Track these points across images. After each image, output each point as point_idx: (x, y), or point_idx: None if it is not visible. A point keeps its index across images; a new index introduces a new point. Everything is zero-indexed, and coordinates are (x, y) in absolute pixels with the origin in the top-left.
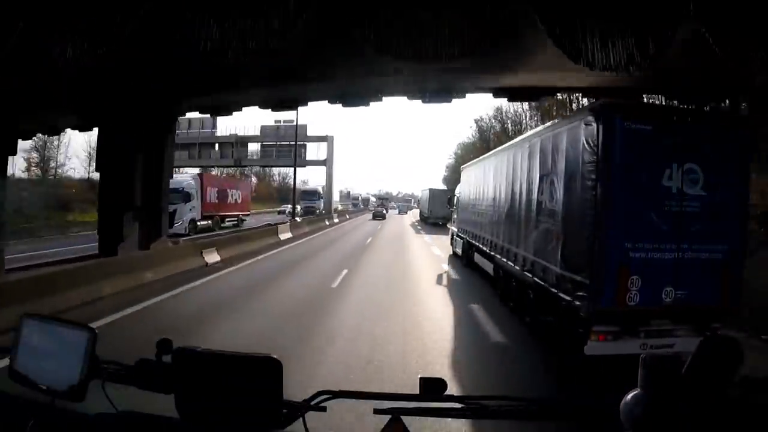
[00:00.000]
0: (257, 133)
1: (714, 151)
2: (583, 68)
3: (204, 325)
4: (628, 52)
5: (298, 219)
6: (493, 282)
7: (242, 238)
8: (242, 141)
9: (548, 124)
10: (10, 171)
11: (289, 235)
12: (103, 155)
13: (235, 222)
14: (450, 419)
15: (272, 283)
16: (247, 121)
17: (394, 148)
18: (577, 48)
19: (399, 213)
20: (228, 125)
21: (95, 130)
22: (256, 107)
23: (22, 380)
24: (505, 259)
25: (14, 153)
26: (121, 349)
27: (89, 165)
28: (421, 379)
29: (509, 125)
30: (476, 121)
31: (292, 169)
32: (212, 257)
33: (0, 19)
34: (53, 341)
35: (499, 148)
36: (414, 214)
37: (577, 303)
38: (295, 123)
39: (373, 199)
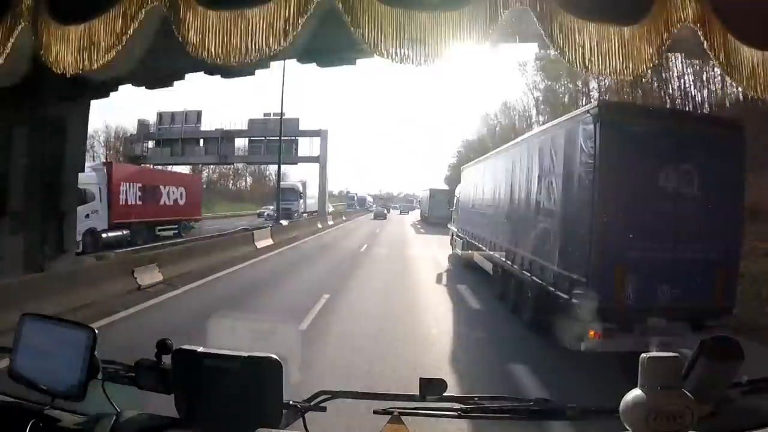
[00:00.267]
0: (245, 127)
1: (709, 153)
2: None
3: None
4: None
5: (284, 222)
6: (493, 281)
7: (205, 249)
8: (228, 136)
9: (547, 125)
10: None
11: (269, 242)
12: None
13: (175, 231)
14: (450, 419)
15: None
16: (235, 115)
17: (396, 148)
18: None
19: (401, 213)
20: (214, 119)
21: None
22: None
23: (22, 380)
24: (504, 259)
25: None
26: None
27: None
28: (421, 379)
29: (516, 120)
30: (482, 118)
31: (287, 166)
32: (150, 277)
33: None
34: (53, 341)
35: (499, 149)
36: (415, 215)
37: (574, 301)
38: (283, 115)
39: (369, 198)
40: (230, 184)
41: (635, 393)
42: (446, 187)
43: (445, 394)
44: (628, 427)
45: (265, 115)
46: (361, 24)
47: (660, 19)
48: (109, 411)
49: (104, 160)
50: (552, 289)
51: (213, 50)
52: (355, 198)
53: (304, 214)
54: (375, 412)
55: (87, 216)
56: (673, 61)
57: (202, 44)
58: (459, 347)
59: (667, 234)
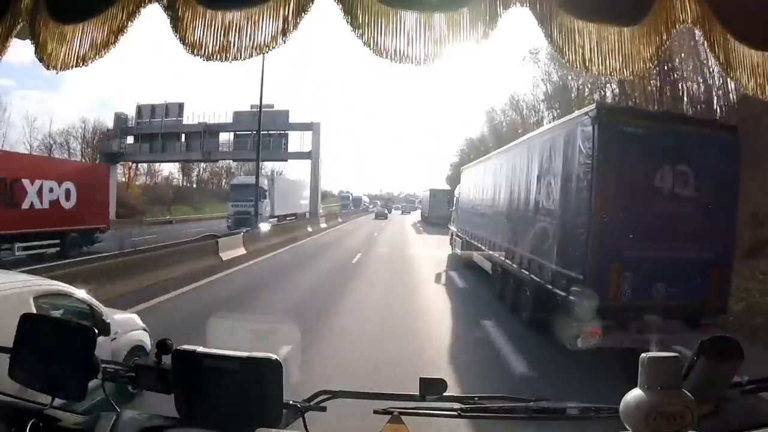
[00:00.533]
0: (230, 120)
1: (705, 155)
2: None
3: None
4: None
5: (264, 227)
6: (492, 280)
7: (135, 267)
8: (212, 130)
9: (546, 126)
10: None
11: (239, 251)
12: None
13: (55, 247)
14: (450, 419)
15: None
16: (219, 107)
17: (397, 148)
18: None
19: (402, 213)
20: (197, 112)
21: None
22: None
23: (22, 380)
24: (503, 258)
25: None
26: None
27: None
28: (421, 379)
29: (524, 113)
30: (487, 113)
31: (279, 163)
32: None
33: None
34: (53, 341)
35: (498, 150)
36: (416, 215)
37: (572, 298)
38: (265, 105)
39: (365, 198)
40: (223, 183)
41: (635, 393)
42: (448, 187)
43: (445, 394)
44: (628, 427)
45: (252, 107)
46: (361, 24)
47: (660, 19)
48: (109, 411)
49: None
50: (550, 287)
51: (211, 49)
52: (350, 198)
53: (271, 219)
54: (375, 412)
55: None
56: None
57: (200, 43)
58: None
59: (663, 234)
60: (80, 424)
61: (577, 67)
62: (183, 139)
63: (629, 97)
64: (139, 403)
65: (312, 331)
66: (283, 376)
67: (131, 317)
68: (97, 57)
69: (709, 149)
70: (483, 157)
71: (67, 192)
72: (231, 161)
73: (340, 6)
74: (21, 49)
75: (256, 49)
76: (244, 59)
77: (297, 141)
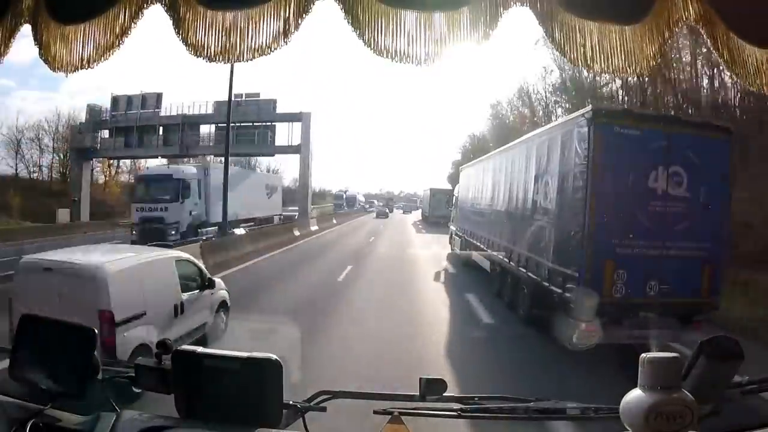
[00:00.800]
0: (211, 111)
1: (698, 156)
2: None
3: None
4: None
5: (238, 231)
6: (490, 278)
7: None
8: (191, 122)
9: (544, 127)
10: None
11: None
12: None
13: None
14: (450, 419)
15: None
16: (199, 96)
17: (397, 147)
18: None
19: (403, 213)
20: (175, 102)
21: None
22: None
23: (22, 380)
24: (501, 256)
25: None
26: None
27: None
28: (421, 379)
29: (531, 104)
30: (492, 106)
31: (269, 159)
32: None
33: None
34: (53, 341)
35: (496, 150)
36: (417, 214)
37: (567, 294)
38: (251, 95)
39: (361, 197)
40: None
41: (635, 393)
42: (449, 186)
43: (445, 394)
44: (628, 427)
45: (236, 96)
46: (361, 24)
47: (661, 17)
48: (109, 411)
49: None
50: (546, 284)
51: (213, 50)
52: (344, 197)
53: (206, 231)
54: (375, 412)
55: None
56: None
57: (201, 44)
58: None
59: (656, 232)
60: (80, 424)
61: (579, 66)
62: (161, 132)
63: (642, 91)
64: (139, 403)
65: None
66: (283, 376)
67: (220, 281)
68: (101, 59)
69: (702, 150)
70: (482, 156)
71: None
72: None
73: (341, 6)
74: (21, 49)
75: (258, 50)
76: (247, 60)
77: (287, 134)
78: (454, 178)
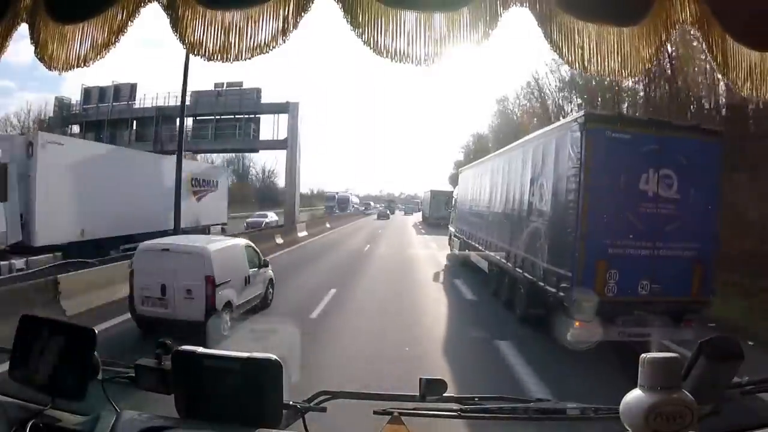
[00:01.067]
0: (188, 102)
1: (688, 159)
2: None
3: None
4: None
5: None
6: (488, 278)
7: None
8: (166, 115)
9: (539, 131)
10: None
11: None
12: None
13: None
14: (450, 419)
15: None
16: (177, 86)
17: (398, 148)
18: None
19: (405, 214)
20: (152, 93)
21: None
22: None
23: (22, 380)
24: (498, 257)
25: None
26: None
27: None
28: (421, 379)
29: (546, 100)
30: (498, 102)
31: (271, 159)
32: None
33: None
34: (53, 342)
35: (493, 153)
36: (418, 216)
37: (561, 294)
38: (233, 84)
39: (355, 199)
40: None
41: (635, 393)
42: (450, 187)
43: (445, 394)
44: (628, 427)
45: (216, 86)
46: (360, 24)
47: (658, 20)
48: (109, 411)
49: None
50: (542, 284)
51: (212, 49)
52: (335, 198)
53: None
54: (375, 413)
55: None
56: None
57: (200, 43)
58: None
59: (647, 233)
60: (80, 424)
61: (576, 67)
62: (134, 126)
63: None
64: (139, 403)
65: None
66: (283, 376)
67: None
68: (98, 57)
69: (692, 153)
70: (482, 157)
71: None
72: (212, 153)
73: (340, 5)
74: (21, 49)
75: (256, 49)
76: (245, 59)
77: (273, 127)
78: (455, 179)
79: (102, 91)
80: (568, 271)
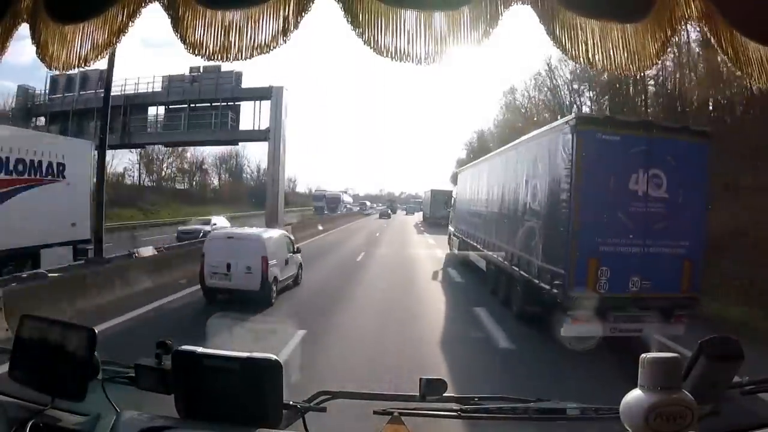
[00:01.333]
0: (159, 88)
1: (677, 159)
2: None
3: None
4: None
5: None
6: (486, 276)
7: None
8: (135, 104)
9: (533, 133)
10: None
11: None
12: None
13: None
14: (450, 419)
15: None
16: (146, 69)
17: (398, 147)
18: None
19: (406, 214)
20: (120, 77)
21: None
22: None
23: (22, 380)
24: (495, 256)
25: None
26: None
27: None
28: (421, 379)
29: (558, 93)
30: (505, 94)
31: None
32: None
33: None
34: (53, 342)
35: (490, 154)
36: (419, 216)
37: (555, 291)
38: (210, 69)
39: (347, 198)
40: (193, 182)
41: (635, 393)
42: (451, 186)
43: (445, 394)
44: (628, 427)
45: (191, 69)
46: (361, 23)
47: (664, 15)
48: (109, 411)
49: None
50: (537, 281)
51: (212, 49)
52: (324, 197)
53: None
54: (375, 413)
55: None
56: None
57: (200, 43)
58: None
59: (637, 231)
60: (80, 424)
61: (581, 64)
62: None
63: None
64: (139, 403)
65: None
66: (283, 376)
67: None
68: (98, 57)
69: (681, 153)
70: (476, 161)
71: None
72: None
73: (340, 5)
74: (21, 49)
75: (256, 49)
76: (245, 59)
77: (255, 115)
78: (456, 178)
79: (69, 79)
80: (561, 268)
